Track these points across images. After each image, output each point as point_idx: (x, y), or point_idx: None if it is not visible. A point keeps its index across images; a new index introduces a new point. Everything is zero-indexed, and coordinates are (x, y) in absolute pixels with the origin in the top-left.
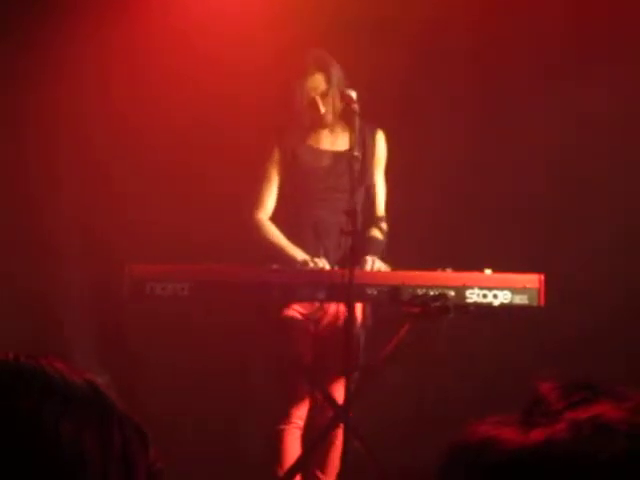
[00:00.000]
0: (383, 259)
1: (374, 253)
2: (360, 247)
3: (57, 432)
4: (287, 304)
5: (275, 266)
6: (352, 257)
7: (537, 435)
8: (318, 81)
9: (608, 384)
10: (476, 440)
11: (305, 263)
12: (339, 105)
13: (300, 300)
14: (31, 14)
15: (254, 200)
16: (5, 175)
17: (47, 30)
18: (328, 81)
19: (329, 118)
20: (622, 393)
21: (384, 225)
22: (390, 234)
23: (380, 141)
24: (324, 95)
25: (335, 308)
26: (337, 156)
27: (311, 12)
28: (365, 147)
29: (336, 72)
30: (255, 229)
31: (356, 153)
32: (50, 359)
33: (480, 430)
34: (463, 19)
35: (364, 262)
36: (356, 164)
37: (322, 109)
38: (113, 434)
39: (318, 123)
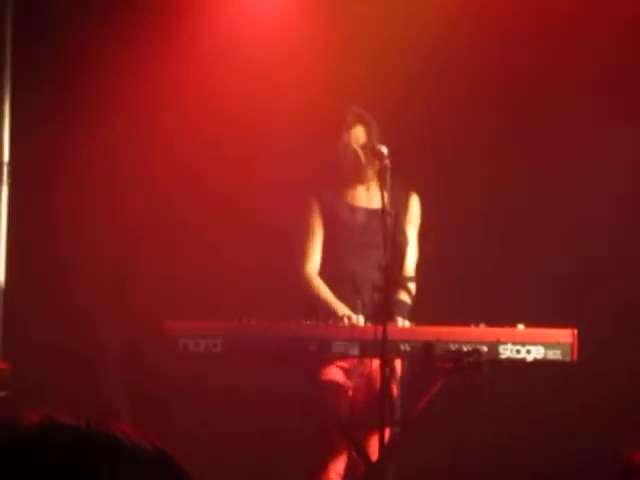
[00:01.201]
0: (410, 321)
1: (400, 315)
2: (391, 303)
3: None
4: (324, 359)
5: (308, 322)
6: (384, 313)
7: None
8: (360, 133)
9: None
10: None
11: (341, 318)
12: (374, 160)
13: (334, 355)
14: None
15: (300, 254)
16: (37, 237)
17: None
18: (368, 134)
19: (369, 172)
20: None
21: (412, 286)
22: (423, 289)
23: (414, 203)
24: (364, 147)
25: (377, 364)
26: (372, 213)
27: (343, 66)
28: (398, 206)
29: (375, 127)
30: (304, 283)
31: (389, 209)
32: (119, 424)
33: None
34: (494, 71)
35: (395, 322)
36: (389, 220)
37: (363, 159)
38: None
39: (357, 177)
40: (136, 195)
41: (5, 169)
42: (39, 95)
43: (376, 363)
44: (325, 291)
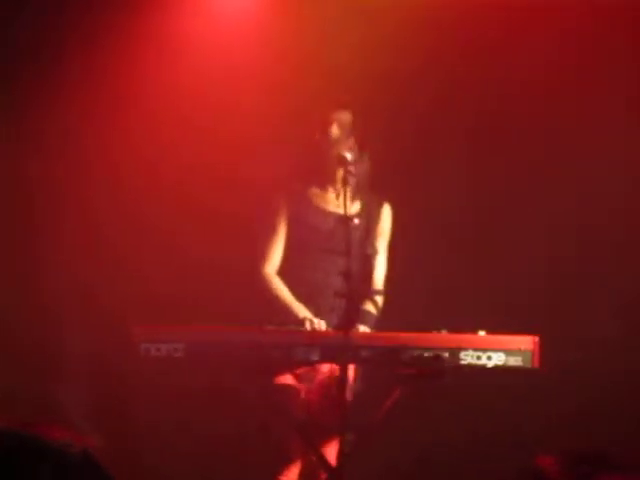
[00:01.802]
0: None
1: (366, 324)
2: (354, 310)
3: None
4: (281, 365)
5: (270, 327)
6: (346, 319)
7: None
8: (345, 115)
9: (607, 456)
10: None
11: (302, 322)
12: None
13: (294, 361)
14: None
15: (261, 254)
16: (5, 238)
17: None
18: (349, 138)
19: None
20: (621, 466)
21: (380, 299)
22: (386, 296)
23: (386, 214)
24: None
25: (327, 368)
26: (340, 219)
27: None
28: (369, 216)
29: (360, 131)
30: (262, 283)
31: (356, 220)
32: (48, 427)
33: None
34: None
35: (358, 329)
36: (355, 230)
37: (348, 156)
38: None
39: (329, 180)
40: (106, 198)
41: None
42: (12, 92)
43: (326, 368)
44: (285, 292)
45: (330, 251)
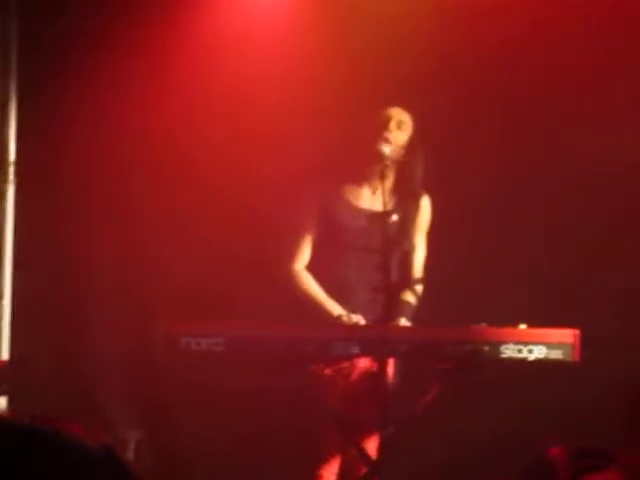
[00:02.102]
0: (413, 322)
1: (406, 317)
2: (393, 304)
3: None
4: (320, 359)
5: (309, 321)
6: (385, 313)
7: None
8: (403, 114)
9: (615, 452)
10: None
11: (340, 317)
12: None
13: (334, 355)
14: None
15: (291, 250)
16: (39, 237)
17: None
18: (414, 121)
19: (376, 172)
20: (631, 459)
21: (419, 288)
22: (425, 289)
23: (425, 207)
24: (401, 130)
25: (365, 363)
26: (374, 216)
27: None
28: (406, 210)
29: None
30: (292, 280)
31: (394, 217)
32: (66, 423)
33: None
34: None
35: (398, 323)
36: (392, 227)
37: (386, 151)
38: None
39: (365, 176)
40: (141, 193)
41: (11, 168)
42: (45, 94)
43: (364, 363)
44: (317, 289)
45: (363, 248)
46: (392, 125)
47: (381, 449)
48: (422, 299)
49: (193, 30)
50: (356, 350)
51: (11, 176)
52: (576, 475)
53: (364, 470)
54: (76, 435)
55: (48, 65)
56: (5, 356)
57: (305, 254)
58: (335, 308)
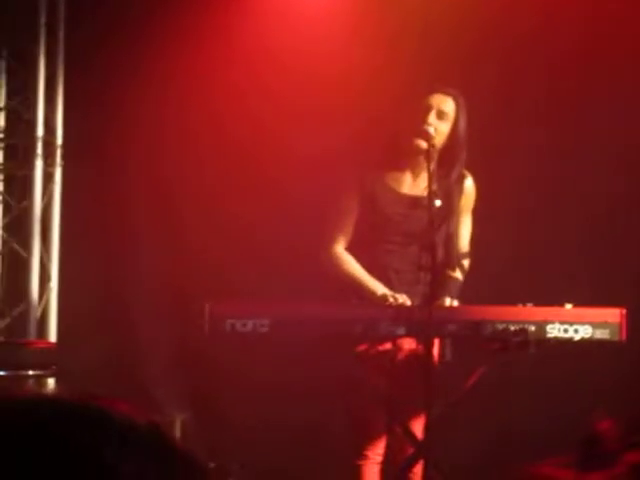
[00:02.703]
0: (459, 299)
1: (452, 295)
2: (438, 284)
3: (118, 473)
4: (366, 340)
5: (355, 302)
6: (432, 293)
7: (596, 479)
8: (444, 103)
9: None
10: None
11: (385, 298)
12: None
13: (380, 335)
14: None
15: (332, 232)
16: (86, 220)
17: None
18: (457, 107)
19: (419, 155)
20: None
21: (466, 263)
22: (470, 269)
23: (469, 188)
24: (442, 119)
25: (409, 344)
26: (416, 201)
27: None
28: (450, 194)
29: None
30: (334, 261)
31: (438, 202)
32: (113, 400)
33: (540, 473)
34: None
35: (443, 302)
36: (436, 212)
37: (432, 132)
38: (175, 477)
39: (407, 160)
40: (183, 177)
41: (58, 151)
42: (91, 78)
43: (409, 344)
44: (359, 269)
45: (404, 233)
46: (432, 116)
47: (428, 429)
48: (469, 280)
49: (235, 16)
50: (402, 331)
51: (58, 159)
52: (626, 449)
53: (410, 451)
54: (124, 412)
55: (94, 48)
56: (53, 338)
57: (346, 236)
58: (379, 288)
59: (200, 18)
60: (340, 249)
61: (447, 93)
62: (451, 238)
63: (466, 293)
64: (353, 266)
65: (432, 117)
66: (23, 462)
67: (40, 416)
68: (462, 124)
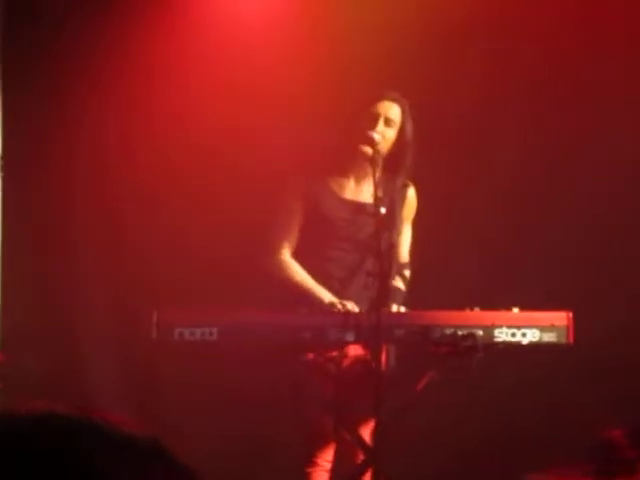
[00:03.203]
0: (404, 307)
1: (397, 303)
2: (387, 289)
3: None
4: (315, 347)
5: (303, 309)
6: (380, 299)
7: None
8: (391, 110)
9: None
10: None
11: (333, 305)
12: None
13: (328, 342)
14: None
15: (276, 240)
16: (27, 229)
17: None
18: (403, 114)
19: (363, 161)
20: None
21: (407, 273)
22: (417, 274)
23: (411, 197)
24: (388, 126)
25: (357, 350)
26: (360, 207)
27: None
28: (394, 201)
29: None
30: (280, 268)
31: (382, 209)
32: (111, 414)
33: None
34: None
35: (389, 309)
36: (380, 218)
37: (377, 137)
38: None
39: (351, 166)
40: (127, 187)
41: None
42: (30, 89)
43: (356, 350)
44: (306, 276)
45: (347, 239)
46: (380, 123)
47: (376, 436)
48: (415, 285)
49: (173, 24)
50: (351, 337)
51: None
52: None
53: (360, 457)
54: (121, 426)
55: (33, 59)
56: None
57: (291, 243)
58: (326, 295)
59: (136, 28)
60: (286, 256)
61: (393, 99)
62: (393, 247)
63: (414, 298)
64: (299, 273)
65: (380, 124)
66: (22, 472)
67: (39, 431)
68: (408, 130)
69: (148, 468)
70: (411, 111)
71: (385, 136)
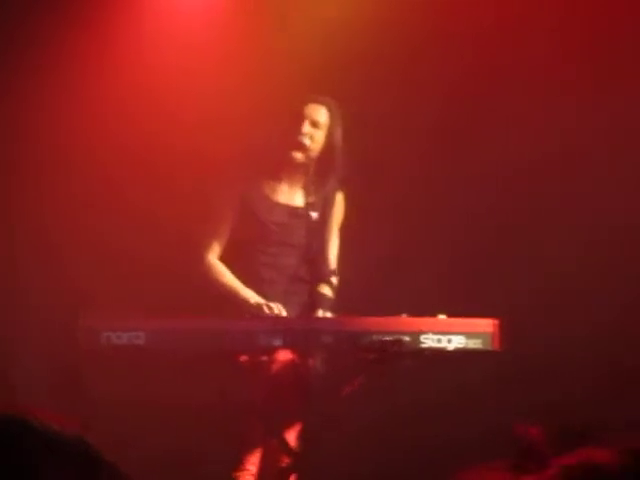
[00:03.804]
0: (332, 314)
1: (324, 309)
2: (315, 295)
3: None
4: (243, 351)
5: (232, 313)
6: (309, 304)
7: None
8: (318, 112)
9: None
10: None
11: (259, 307)
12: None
13: (257, 347)
14: None
15: (205, 241)
16: None
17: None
18: (331, 117)
19: (295, 165)
20: (605, 437)
21: (335, 280)
22: (345, 281)
23: (340, 202)
24: (316, 128)
25: (286, 355)
26: (292, 211)
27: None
28: (324, 205)
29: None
30: (208, 270)
31: (314, 214)
32: (39, 411)
33: (476, 475)
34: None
35: (317, 315)
36: (311, 222)
37: (307, 143)
38: None
39: (283, 170)
40: (47, 189)
41: None
42: None
43: (285, 355)
44: (230, 278)
45: (280, 243)
46: (306, 126)
47: (303, 440)
48: (343, 291)
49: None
50: (279, 342)
51: None
52: (555, 452)
53: (285, 461)
54: (49, 424)
55: None
56: None
57: (220, 245)
58: (252, 296)
59: (71, 45)
60: (213, 258)
61: (321, 102)
62: (322, 252)
63: (343, 304)
64: (225, 275)
65: (307, 127)
66: None
67: None
68: (337, 133)
69: (75, 462)
70: (342, 114)
71: (314, 139)
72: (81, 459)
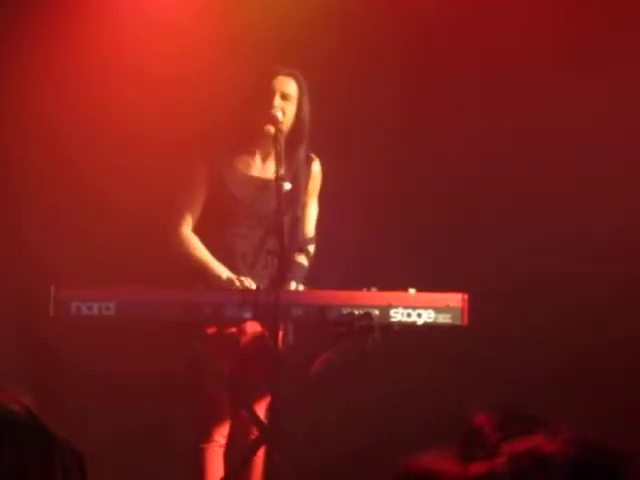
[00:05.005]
0: (305, 284)
1: (298, 279)
2: (286, 268)
3: None
4: (212, 323)
5: (202, 286)
6: (278, 277)
7: (477, 469)
8: (287, 85)
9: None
10: (418, 473)
11: (230, 281)
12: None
13: (226, 319)
14: None
15: (177, 214)
16: None
17: None
18: (299, 88)
19: (266, 138)
20: (553, 424)
21: (312, 248)
22: (316, 254)
23: (316, 171)
24: (286, 100)
25: (255, 327)
26: (265, 184)
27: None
28: (298, 176)
29: (305, 86)
30: (179, 242)
31: (287, 185)
32: None
33: (421, 463)
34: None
35: (288, 286)
36: (284, 194)
37: (279, 116)
38: (55, 462)
39: (255, 143)
40: (19, 166)
41: None
42: None
43: (254, 327)
44: (202, 251)
45: (253, 216)
46: (277, 99)
47: (272, 413)
48: (314, 264)
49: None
50: (248, 314)
51: None
52: (503, 440)
53: (254, 434)
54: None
55: None
56: None
57: (193, 218)
58: (224, 271)
59: (39, 35)
60: (186, 230)
61: (289, 74)
62: (297, 222)
63: (312, 277)
64: (198, 248)
65: (277, 100)
66: None
67: None
68: (305, 105)
69: (24, 440)
70: (308, 85)
71: (286, 112)
72: (30, 437)
